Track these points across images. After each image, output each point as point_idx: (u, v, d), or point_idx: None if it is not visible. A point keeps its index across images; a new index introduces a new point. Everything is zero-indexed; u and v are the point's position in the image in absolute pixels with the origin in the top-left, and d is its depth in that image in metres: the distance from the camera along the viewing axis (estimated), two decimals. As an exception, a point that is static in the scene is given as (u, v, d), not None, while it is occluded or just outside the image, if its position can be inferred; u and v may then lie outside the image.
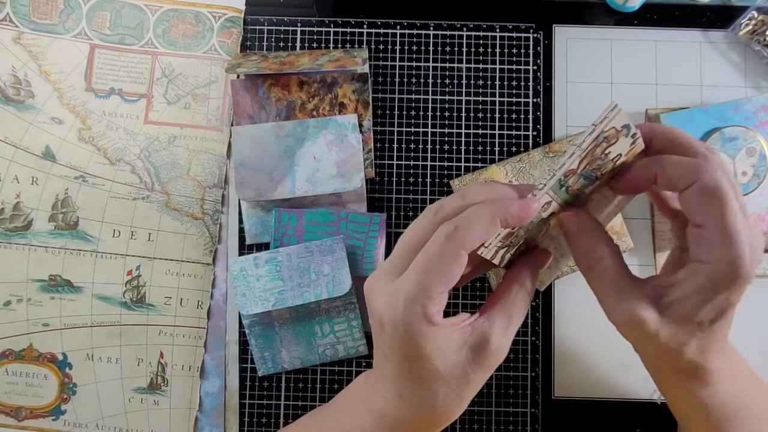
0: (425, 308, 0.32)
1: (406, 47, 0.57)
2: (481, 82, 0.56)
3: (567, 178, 0.33)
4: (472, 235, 0.31)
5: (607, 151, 0.33)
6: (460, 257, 0.31)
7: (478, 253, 0.33)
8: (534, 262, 0.37)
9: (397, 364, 0.34)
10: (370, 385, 0.38)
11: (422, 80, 0.56)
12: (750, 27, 0.55)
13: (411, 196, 0.55)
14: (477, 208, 0.32)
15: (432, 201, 0.55)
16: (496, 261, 0.35)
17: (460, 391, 0.34)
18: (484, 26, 0.57)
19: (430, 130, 0.56)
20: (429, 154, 0.56)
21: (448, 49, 0.57)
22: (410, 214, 0.55)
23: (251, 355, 0.54)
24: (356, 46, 0.57)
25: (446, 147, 0.56)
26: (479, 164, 0.55)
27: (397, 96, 0.56)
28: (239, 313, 0.54)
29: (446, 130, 0.56)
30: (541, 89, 0.56)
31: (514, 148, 0.55)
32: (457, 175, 0.55)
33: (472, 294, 0.54)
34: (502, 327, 0.34)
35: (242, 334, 0.54)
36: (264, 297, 0.51)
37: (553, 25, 0.57)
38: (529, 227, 0.35)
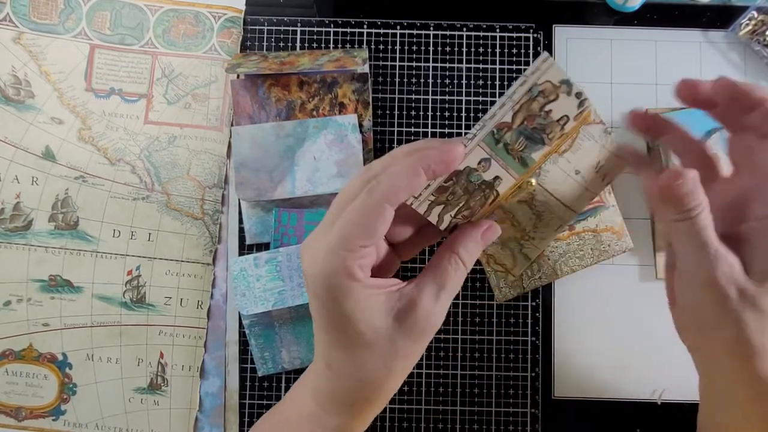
0: (344, 260, 0.30)
1: (406, 47, 0.57)
2: (481, 82, 0.56)
3: (502, 133, 0.31)
4: (394, 187, 0.30)
5: (547, 109, 0.31)
6: (384, 210, 0.30)
7: (408, 203, 0.32)
8: (473, 232, 0.34)
9: (324, 326, 0.33)
10: (309, 368, 0.37)
11: (422, 80, 0.56)
12: (750, 27, 0.55)
13: (411, 196, 0.55)
14: (399, 160, 0.31)
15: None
16: (433, 220, 0.33)
17: (388, 361, 0.32)
18: (484, 26, 0.57)
19: (430, 130, 0.56)
20: (429, 154, 0.56)
21: (448, 49, 0.57)
22: (410, 214, 0.55)
23: (251, 355, 0.54)
24: (356, 46, 0.57)
25: (446, 147, 0.56)
26: (479, 164, 0.55)
27: (397, 96, 0.56)
28: (239, 313, 0.54)
29: (446, 130, 0.56)
30: (541, 89, 0.56)
31: (514, 148, 0.55)
32: (457, 175, 0.55)
33: (472, 294, 0.54)
34: (432, 294, 0.32)
35: (242, 334, 0.54)
36: (264, 297, 0.51)
37: (553, 25, 0.57)
38: (469, 186, 0.33)
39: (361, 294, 0.31)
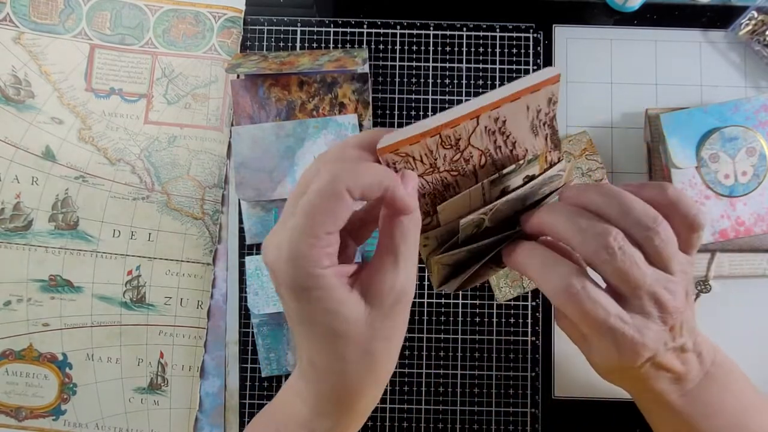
0: (311, 248, 0.29)
1: (406, 47, 0.57)
2: (481, 82, 0.56)
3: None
4: (352, 171, 0.29)
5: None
6: (344, 194, 0.29)
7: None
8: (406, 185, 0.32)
9: (298, 320, 0.31)
10: (295, 368, 0.36)
11: (422, 80, 0.56)
12: (750, 27, 0.55)
13: (411, 196, 0.55)
14: (349, 151, 0.31)
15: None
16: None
17: (368, 346, 0.31)
18: (484, 26, 0.57)
19: (430, 130, 0.56)
20: (429, 154, 0.56)
21: (448, 49, 0.57)
22: (410, 214, 0.55)
23: (251, 354, 0.54)
24: (356, 46, 0.57)
25: (446, 147, 0.56)
26: (479, 164, 0.55)
27: (397, 96, 0.56)
28: (247, 311, 0.54)
29: (446, 130, 0.56)
30: (541, 89, 0.56)
31: (514, 148, 0.55)
32: (457, 175, 0.55)
33: (472, 294, 0.54)
34: (391, 264, 0.31)
35: (242, 334, 0.54)
36: (276, 298, 0.51)
37: (553, 25, 0.57)
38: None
39: (330, 282, 0.29)
